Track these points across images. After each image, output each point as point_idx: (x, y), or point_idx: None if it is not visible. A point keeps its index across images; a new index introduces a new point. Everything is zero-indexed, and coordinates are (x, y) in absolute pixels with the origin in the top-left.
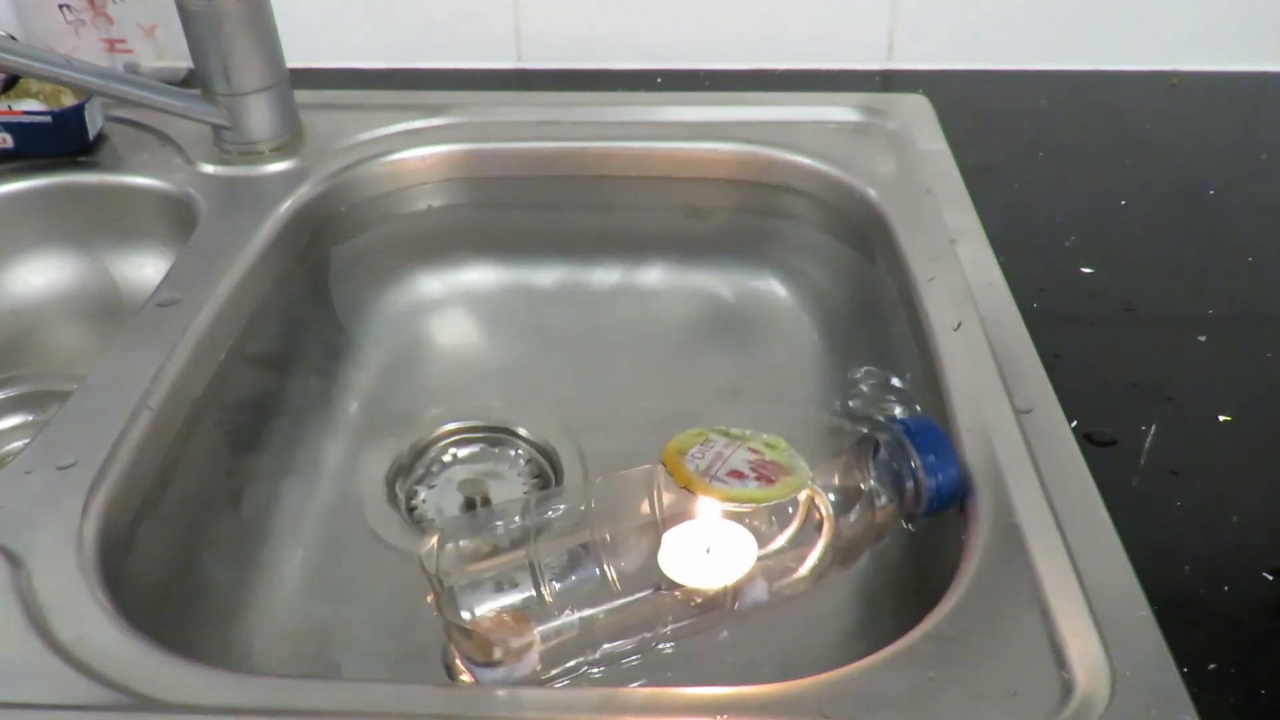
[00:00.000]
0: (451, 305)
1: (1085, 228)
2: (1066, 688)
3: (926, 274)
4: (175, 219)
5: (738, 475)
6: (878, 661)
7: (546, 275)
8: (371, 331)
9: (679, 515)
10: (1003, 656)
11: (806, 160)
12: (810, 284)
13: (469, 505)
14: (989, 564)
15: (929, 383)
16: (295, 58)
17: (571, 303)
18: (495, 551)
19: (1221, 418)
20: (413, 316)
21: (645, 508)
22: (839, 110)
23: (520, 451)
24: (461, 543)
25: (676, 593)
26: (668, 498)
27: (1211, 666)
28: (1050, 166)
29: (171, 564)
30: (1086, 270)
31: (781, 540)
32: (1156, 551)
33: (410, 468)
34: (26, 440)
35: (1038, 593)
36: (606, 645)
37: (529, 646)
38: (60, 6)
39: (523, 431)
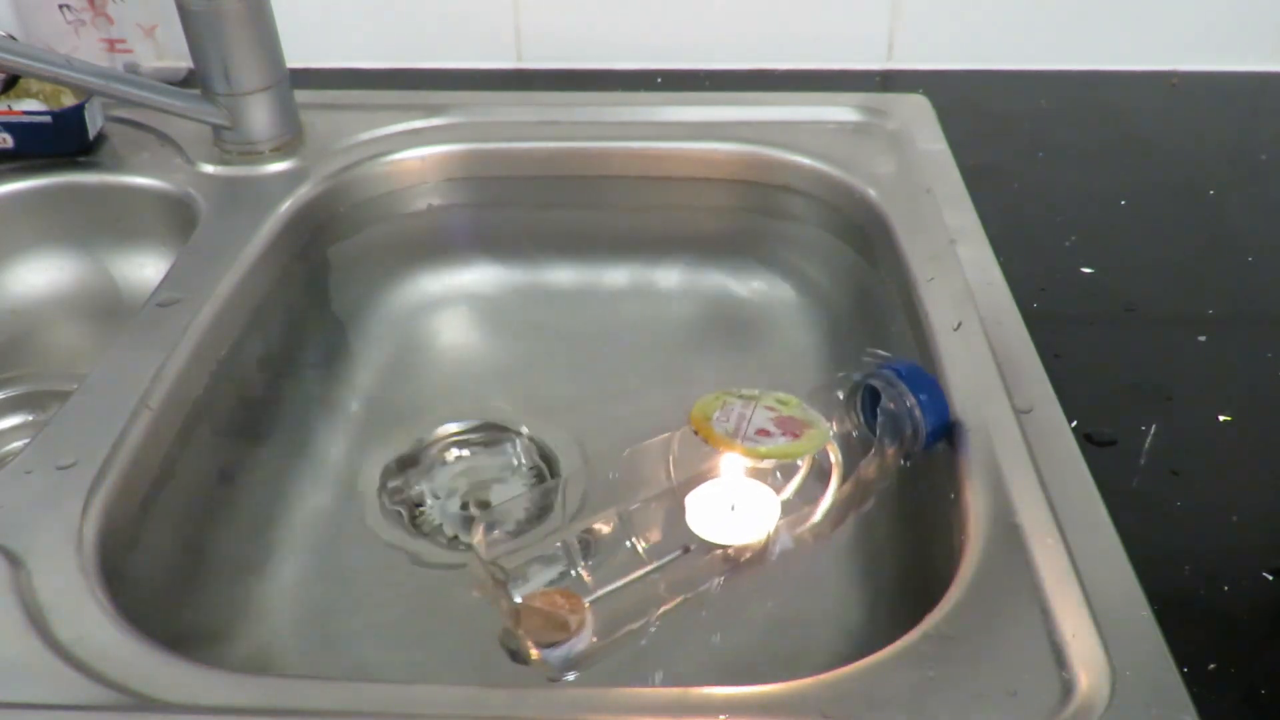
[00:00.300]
0: (451, 305)
1: (1085, 228)
2: (1066, 688)
3: (926, 274)
4: (175, 219)
5: (765, 433)
6: (878, 661)
7: (546, 275)
8: (371, 331)
9: (700, 477)
10: (1003, 656)
11: (806, 160)
12: (810, 284)
13: (469, 505)
14: (989, 564)
15: None
16: (295, 58)
17: (571, 302)
18: (537, 534)
19: (1221, 418)
20: (413, 316)
21: (666, 474)
22: (839, 110)
23: (520, 451)
24: (504, 530)
25: (718, 552)
26: (687, 462)
27: (1211, 666)
28: (1050, 166)
29: (172, 564)
30: (1086, 270)
31: (791, 489)
32: (1156, 551)
33: (410, 467)
34: (26, 440)
35: (1038, 593)
36: (652, 610)
37: (585, 621)
38: (60, 6)
39: (523, 430)
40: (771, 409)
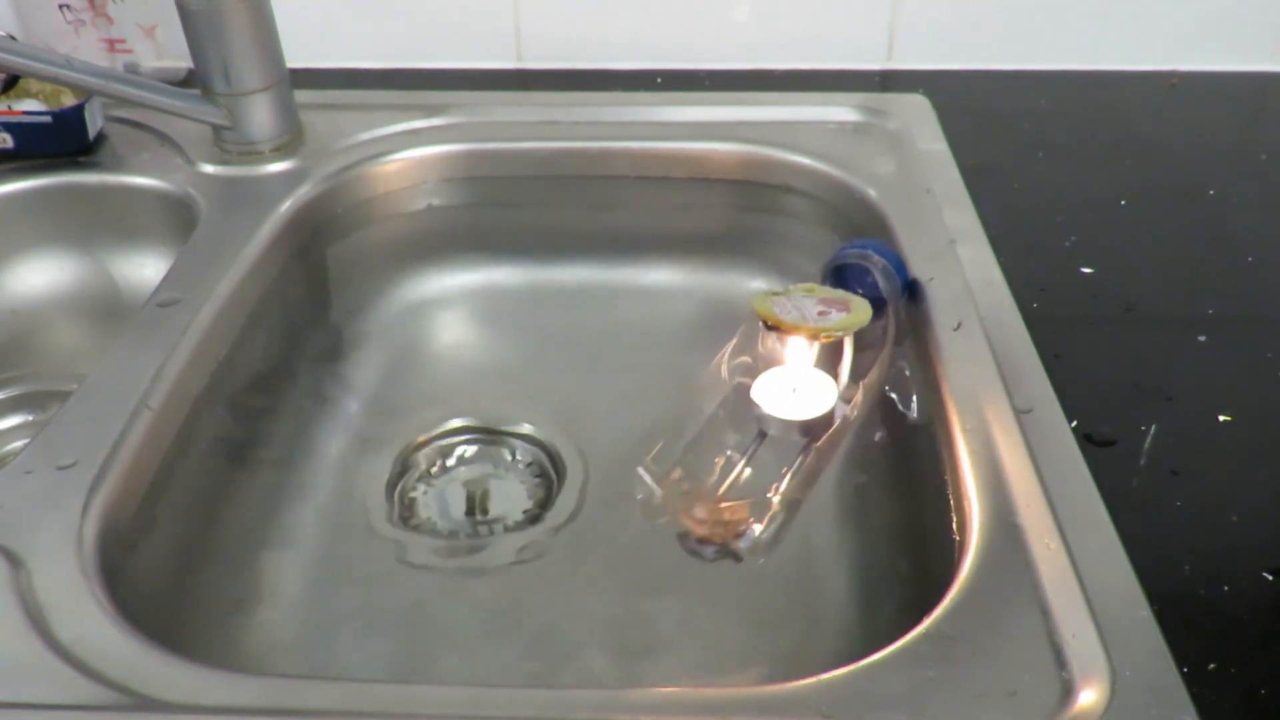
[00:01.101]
0: (451, 305)
1: (1085, 228)
2: (1066, 688)
3: (926, 274)
4: (175, 219)
5: (824, 314)
6: (878, 661)
7: (546, 275)
8: (371, 331)
9: (756, 371)
10: (1003, 656)
11: (806, 160)
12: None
13: (470, 504)
14: (989, 564)
15: (929, 382)
16: (295, 58)
17: (571, 302)
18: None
19: (1221, 418)
20: (412, 316)
21: (721, 380)
22: (839, 110)
23: (521, 450)
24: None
25: (794, 430)
26: (739, 362)
27: (1211, 666)
28: (1050, 166)
29: (172, 564)
30: (1086, 270)
31: (811, 362)
32: (1156, 551)
33: (410, 467)
34: (26, 440)
35: (1038, 593)
36: (774, 492)
37: (749, 511)
38: (60, 6)
39: (523, 430)
40: (808, 295)
